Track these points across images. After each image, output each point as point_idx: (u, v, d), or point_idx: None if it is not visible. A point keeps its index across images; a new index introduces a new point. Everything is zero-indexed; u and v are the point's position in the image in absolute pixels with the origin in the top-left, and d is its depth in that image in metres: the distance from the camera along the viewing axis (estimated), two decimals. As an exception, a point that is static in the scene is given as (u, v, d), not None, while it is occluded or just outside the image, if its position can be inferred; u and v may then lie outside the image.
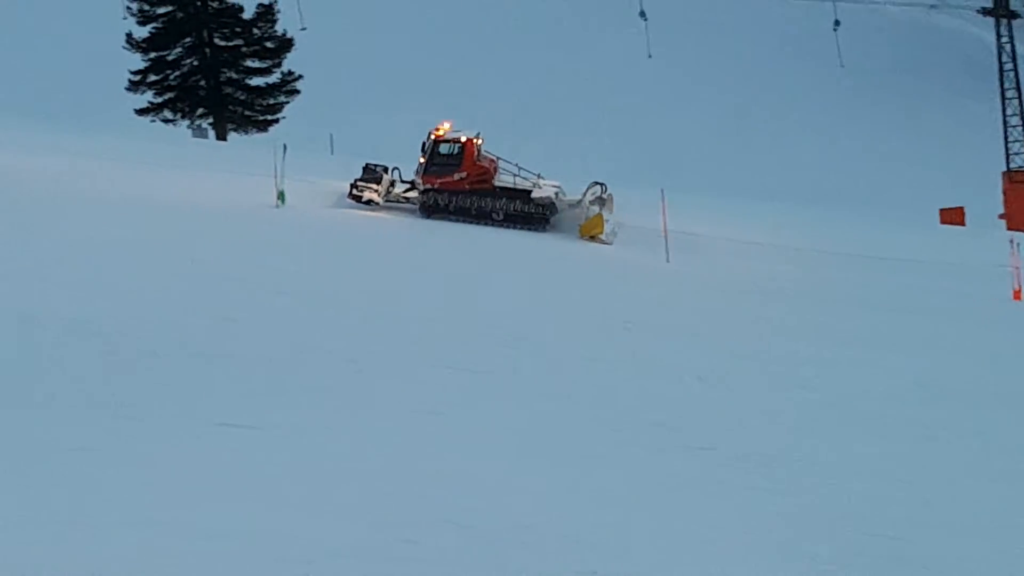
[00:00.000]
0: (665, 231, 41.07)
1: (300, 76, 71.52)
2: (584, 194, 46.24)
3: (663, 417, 21.78)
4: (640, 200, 47.97)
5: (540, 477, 17.34)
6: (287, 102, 71.94)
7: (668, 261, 40.27)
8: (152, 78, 71.63)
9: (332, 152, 53.26)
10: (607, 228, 44.63)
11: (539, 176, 46.63)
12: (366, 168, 46.33)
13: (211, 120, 73.41)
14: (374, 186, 45.47)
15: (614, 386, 23.91)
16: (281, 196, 43.91)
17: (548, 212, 45.27)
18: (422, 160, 45.81)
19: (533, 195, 45.47)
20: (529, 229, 44.93)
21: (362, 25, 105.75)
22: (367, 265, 35.62)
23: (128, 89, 71.55)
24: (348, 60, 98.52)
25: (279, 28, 71.93)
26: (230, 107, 72.22)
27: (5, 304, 23.92)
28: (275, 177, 43.61)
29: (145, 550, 12.61)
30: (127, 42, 70.79)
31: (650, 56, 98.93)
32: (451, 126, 46.24)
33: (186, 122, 73.44)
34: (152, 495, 14.29)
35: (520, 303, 32.26)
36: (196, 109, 72.54)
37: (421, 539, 13.96)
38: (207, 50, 71.87)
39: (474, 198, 45.39)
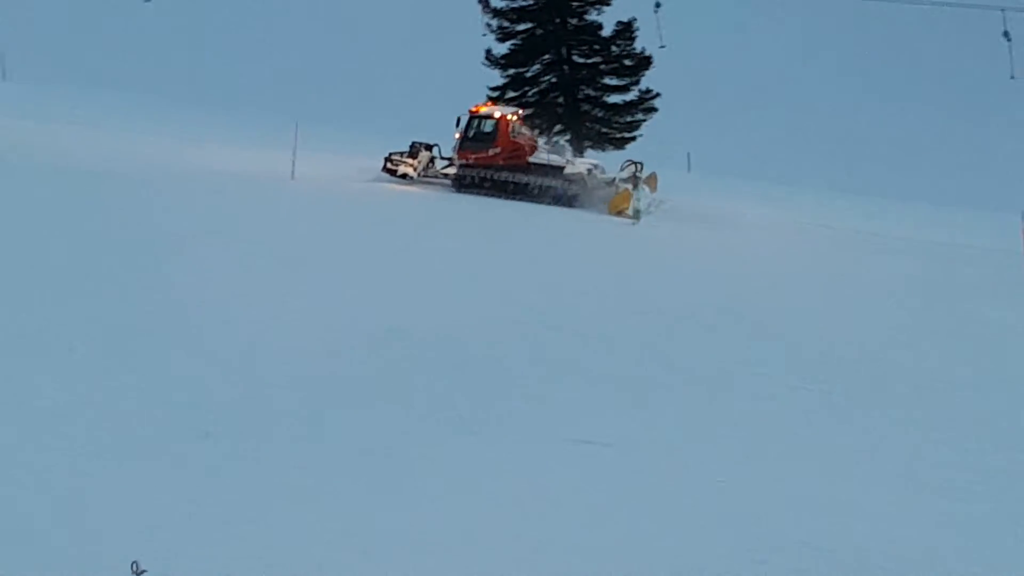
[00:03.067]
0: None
1: (658, 94, 71.54)
2: (619, 173, 46.38)
3: None
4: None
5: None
6: (644, 120, 72.03)
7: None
8: (511, 94, 72.78)
9: (688, 170, 52.86)
10: (639, 205, 45.32)
11: (577, 154, 47.23)
12: (412, 146, 47.29)
13: (568, 137, 74.22)
14: (410, 160, 45.85)
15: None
16: (637, 214, 44.21)
17: (578, 187, 45.17)
18: (458, 136, 46.25)
19: (565, 171, 45.53)
20: (561, 205, 44.89)
21: (720, 44, 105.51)
22: (733, 279, 35.22)
23: (486, 105, 72.93)
24: (706, 78, 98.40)
25: (638, 46, 72.15)
26: (587, 124, 72.74)
27: (362, 317, 24.54)
28: (632, 195, 44.22)
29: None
30: (486, 58, 72.10)
31: (1012, 77, 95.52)
32: (491, 105, 46.95)
33: (543, 138, 74.38)
34: (501, 514, 14.26)
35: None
36: (553, 125, 73.35)
37: (772, 560, 13.54)
38: (565, 67, 72.62)
39: (506, 173, 45.38)
